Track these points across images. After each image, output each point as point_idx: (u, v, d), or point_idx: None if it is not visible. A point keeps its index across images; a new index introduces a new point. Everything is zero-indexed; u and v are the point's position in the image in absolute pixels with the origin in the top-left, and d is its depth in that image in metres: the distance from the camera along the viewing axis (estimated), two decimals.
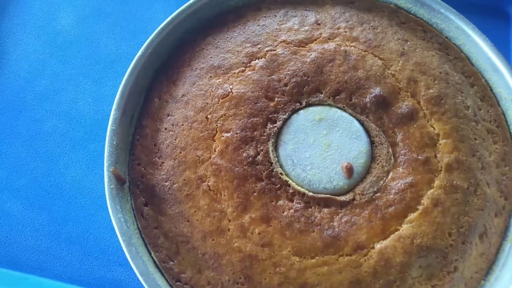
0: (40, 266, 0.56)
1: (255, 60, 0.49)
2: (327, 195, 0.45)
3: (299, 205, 0.44)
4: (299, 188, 0.45)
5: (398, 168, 0.46)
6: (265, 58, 0.49)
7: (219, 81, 0.48)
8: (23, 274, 0.55)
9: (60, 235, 0.57)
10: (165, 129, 0.48)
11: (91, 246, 0.56)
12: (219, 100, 0.47)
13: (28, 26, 0.66)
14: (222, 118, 0.47)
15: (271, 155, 0.46)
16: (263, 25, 0.51)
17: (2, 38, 0.66)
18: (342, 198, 0.45)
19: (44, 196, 0.58)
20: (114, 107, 0.46)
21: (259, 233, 0.43)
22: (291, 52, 0.49)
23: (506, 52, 0.65)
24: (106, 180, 0.44)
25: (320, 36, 0.50)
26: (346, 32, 0.50)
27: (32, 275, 0.55)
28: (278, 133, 0.47)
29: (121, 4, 0.67)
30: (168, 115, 0.48)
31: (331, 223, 0.44)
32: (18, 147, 0.60)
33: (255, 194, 0.44)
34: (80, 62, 0.64)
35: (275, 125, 0.47)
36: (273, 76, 0.48)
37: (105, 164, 0.44)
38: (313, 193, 0.45)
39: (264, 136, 0.46)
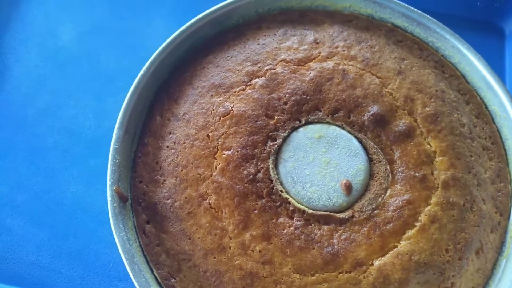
0: (41, 281, 0.56)
1: (255, 78, 0.50)
2: (326, 212, 0.45)
3: (299, 223, 0.45)
4: (299, 205, 0.46)
5: (396, 185, 0.46)
6: (265, 76, 0.50)
7: (220, 100, 0.49)
8: None
9: (61, 251, 0.57)
10: (167, 147, 0.49)
11: (92, 261, 0.56)
12: (220, 118, 0.48)
13: (29, 42, 0.67)
14: (223, 136, 0.47)
15: (271, 172, 0.47)
16: (263, 44, 0.52)
17: (4, 54, 0.66)
18: (341, 215, 0.46)
19: (45, 212, 0.59)
20: (117, 125, 0.47)
21: (259, 251, 0.44)
22: (290, 71, 0.50)
23: (500, 67, 0.67)
24: (109, 198, 0.45)
25: (319, 55, 0.51)
26: (344, 51, 0.51)
27: None
28: (278, 151, 0.48)
29: (122, 21, 0.68)
30: (170, 133, 0.49)
31: (331, 240, 0.44)
32: (19, 162, 0.61)
33: (255, 211, 0.45)
34: (81, 78, 0.65)
35: (275, 142, 0.48)
36: (273, 95, 0.49)
37: (108, 183, 0.45)
38: (313, 210, 0.46)
39: (265, 153, 0.47)
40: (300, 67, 0.50)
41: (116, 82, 0.65)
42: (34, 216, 0.58)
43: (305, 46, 0.51)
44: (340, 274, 0.43)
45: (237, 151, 0.47)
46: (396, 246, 0.44)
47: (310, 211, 0.45)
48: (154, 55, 0.50)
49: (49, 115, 0.63)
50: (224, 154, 0.47)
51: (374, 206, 0.46)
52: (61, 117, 0.63)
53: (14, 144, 0.62)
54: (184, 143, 0.48)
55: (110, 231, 0.44)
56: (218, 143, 0.47)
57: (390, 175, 0.47)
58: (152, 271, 0.45)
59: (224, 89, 0.49)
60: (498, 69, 0.61)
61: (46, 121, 0.63)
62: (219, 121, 0.48)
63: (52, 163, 0.61)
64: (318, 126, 0.49)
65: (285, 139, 0.48)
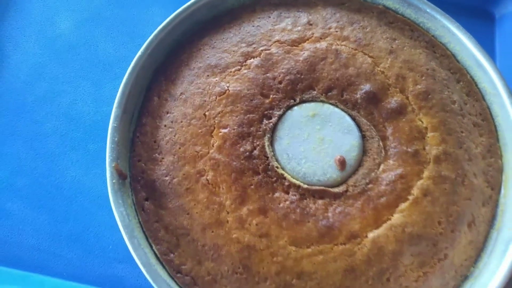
0: (41, 264, 0.57)
1: (250, 59, 0.51)
2: (321, 187, 0.46)
3: (294, 197, 0.46)
4: (294, 180, 0.47)
5: (388, 161, 0.48)
6: (260, 57, 0.51)
7: (216, 80, 0.50)
8: (24, 272, 0.56)
9: (60, 234, 0.58)
10: (165, 126, 0.50)
11: (91, 244, 0.57)
12: (216, 98, 0.49)
13: (27, 30, 0.68)
14: (219, 114, 0.48)
15: (267, 149, 0.48)
16: (258, 26, 0.53)
17: (2, 42, 0.67)
18: (336, 189, 0.47)
19: (44, 196, 0.59)
20: (115, 105, 0.48)
21: (256, 224, 0.45)
22: (284, 51, 0.51)
23: (491, 51, 0.68)
24: (108, 175, 0.46)
25: (312, 36, 0.52)
26: (337, 31, 0.53)
27: (33, 274, 0.56)
28: (274, 129, 0.49)
29: (119, 8, 0.69)
30: (167, 113, 0.50)
31: (326, 214, 0.45)
32: (18, 148, 0.62)
33: (252, 187, 0.46)
34: (79, 65, 0.66)
35: (271, 121, 0.49)
36: (268, 74, 0.50)
37: (107, 160, 0.46)
38: (308, 185, 0.47)
39: (260, 131, 0.48)
40: (294, 47, 0.51)
41: (114, 69, 0.66)
42: (34, 200, 0.59)
43: (299, 28, 0.53)
44: (335, 246, 0.44)
45: (234, 129, 0.48)
46: (390, 219, 0.45)
47: (305, 186, 0.46)
48: (151, 37, 0.51)
49: (48, 102, 0.64)
50: (220, 132, 0.48)
51: (367, 181, 0.47)
52: (59, 104, 0.64)
53: (13, 130, 0.62)
54: (182, 122, 0.49)
55: (110, 214, 0.45)
56: (214, 121, 0.48)
57: (383, 151, 0.48)
58: (151, 247, 0.46)
59: (220, 69, 0.50)
60: (488, 53, 0.62)
61: (45, 108, 0.64)
62: (215, 100, 0.49)
63: (51, 148, 0.62)
64: (312, 104, 0.50)
65: (280, 117, 0.49)
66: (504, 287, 0.44)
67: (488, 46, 0.68)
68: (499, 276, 0.44)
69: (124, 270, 0.56)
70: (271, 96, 0.49)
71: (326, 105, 0.50)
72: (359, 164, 0.48)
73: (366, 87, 0.49)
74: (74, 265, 0.57)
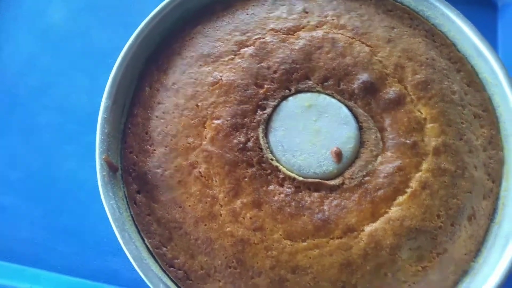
0: (36, 258, 0.56)
1: (244, 48, 0.49)
2: (317, 180, 0.45)
3: (289, 190, 0.45)
4: (289, 173, 0.46)
5: (386, 152, 0.46)
6: (254, 46, 0.49)
7: (209, 69, 0.49)
8: (19, 266, 0.56)
9: (55, 227, 0.57)
10: (156, 117, 0.49)
11: (86, 237, 0.57)
12: (209, 88, 0.48)
13: (19, 21, 0.67)
14: (212, 105, 0.47)
15: (261, 141, 0.46)
16: (252, 13, 0.51)
17: None
18: (332, 182, 0.45)
19: (39, 189, 0.59)
20: (105, 95, 0.47)
21: (250, 218, 0.44)
22: (279, 40, 0.50)
23: (493, 41, 0.66)
24: (98, 167, 0.45)
25: (308, 24, 0.51)
26: (333, 20, 0.51)
27: (28, 267, 0.56)
28: (268, 120, 0.48)
29: None
30: (159, 103, 0.49)
31: (322, 207, 0.44)
32: (12, 141, 0.61)
33: (246, 179, 0.45)
34: (72, 56, 0.65)
35: (265, 111, 0.47)
36: (262, 64, 0.49)
37: (97, 152, 0.45)
38: (303, 178, 0.46)
39: (254, 122, 0.47)
40: (289, 36, 0.50)
41: (108, 60, 0.63)
42: (28, 193, 0.59)
43: (294, 16, 0.51)
44: (331, 240, 0.43)
45: (227, 120, 0.47)
46: (387, 212, 0.44)
47: (301, 178, 0.45)
48: (142, 25, 0.50)
49: (41, 94, 0.63)
50: (213, 124, 0.47)
51: (364, 173, 0.46)
52: (53, 95, 0.63)
53: (6, 122, 0.62)
54: (173, 112, 0.48)
55: (104, 206, 0.44)
56: (207, 112, 0.47)
57: (380, 143, 0.47)
58: (143, 241, 0.45)
59: (213, 58, 0.49)
60: (490, 43, 0.61)
61: (38, 100, 0.63)
62: (208, 91, 0.48)
63: (45, 140, 0.61)
64: (308, 94, 0.49)
65: (275, 108, 0.48)
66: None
67: (490, 36, 0.66)
68: (499, 270, 0.43)
69: (119, 263, 0.56)
70: (265, 86, 0.48)
71: (322, 96, 0.49)
72: (356, 156, 0.47)
73: (364, 76, 0.48)
74: (69, 259, 0.56)
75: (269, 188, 0.45)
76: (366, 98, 0.48)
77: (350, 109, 0.48)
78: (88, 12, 0.67)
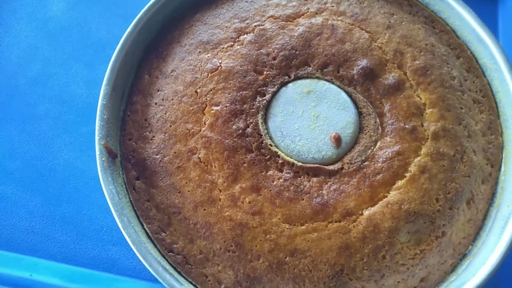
0: (35, 247, 0.56)
1: (243, 35, 0.49)
2: (316, 165, 0.45)
3: (288, 175, 0.45)
4: (288, 158, 0.46)
5: (385, 138, 0.46)
6: (253, 33, 0.49)
7: (208, 56, 0.49)
8: (18, 255, 0.56)
9: (54, 217, 0.57)
10: (155, 104, 0.49)
11: (85, 226, 0.57)
12: (208, 75, 0.48)
13: (19, 12, 0.67)
14: (211, 92, 0.47)
15: (260, 127, 0.46)
16: (251, 1, 0.51)
17: None
18: (331, 167, 0.45)
19: (38, 179, 0.59)
20: (104, 82, 0.47)
21: (249, 202, 0.44)
22: (279, 27, 0.50)
23: (494, 31, 0.66)
24: (97, 153, 0.45)
25: (308, 11, 0.51)
26: (333, 6, 0.51)
27: (27, 256, 0.56)
28: (267, 106, 0.48)
29: None
30: (158, 90, 0.49)
31: (320, 191, 0.44)
32: (11, 131, 0.61)
33: (245, 165, 0.45)
34: (71, 47, 0.65)
35: (264, 98, 0.47)
36: (261, 50, 0.49)
37: (96, 138, 0.45)
38: (302, 163, 0.46)
39: (254, 109, 0.47)
40: (288, 23, 0.50)
41: (106, 51, 0.64)
42: (26, 183, 0.59)
43: (294, 3, 0.51)
44: (330, 224, 0.43)
45: (226, 107, 0.47)
46: (386, 196, 0.44)
47: (300, 163, 0.45)
48: (141, 13, 0.50)
49: (40, 84, 0.63)
50: (212, 110, 0.47)
51: (363, 158, 0.46)
52: (52, 86, 0.63)
53: (5, 112, 0.62)
54: (172, 99, 0.48)
55: (103, 196, 0.44)
56: (206, 98, 0.47)
57: (379, 128, 0.47)
58: (143, 226, 0.45)
59: (212, 45, 0.49)
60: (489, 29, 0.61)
61: (37, 90, 0.63)
62: (207, 77, 0.48)
63: (44, 131, 0.61)
64: (307, 81, 0.49)
65: (274, 94, 0.48)
66: None
67: (491, 24, 0.66)
68: (497, 253, 0.43)
69: (118, 252, 0.56)
70: (264, 72, 0.48)
71: (322, 82, 0.49)
72: (355, 141, 0.47)
73: (363, 62, 0.48)
74: (68, 248, 0.56)
75: (268, 173, 0.45)
76: (366, 84, 0.48)
77: (350, 95, 0.48)
78: (87, 3, 0.67)
